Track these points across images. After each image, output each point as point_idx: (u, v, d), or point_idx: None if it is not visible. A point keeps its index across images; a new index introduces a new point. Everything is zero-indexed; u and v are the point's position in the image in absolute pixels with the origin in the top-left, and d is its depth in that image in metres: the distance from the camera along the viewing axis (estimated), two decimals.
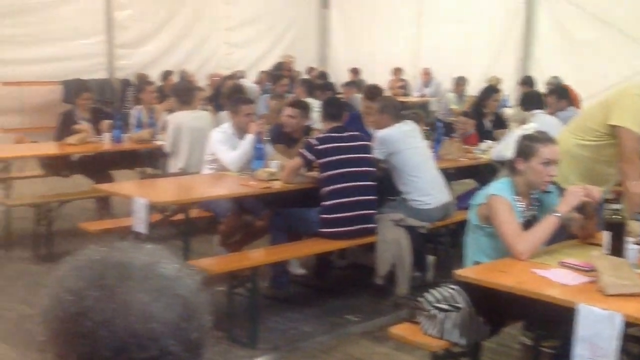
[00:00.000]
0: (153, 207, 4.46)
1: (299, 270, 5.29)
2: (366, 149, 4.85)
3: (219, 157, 5.23)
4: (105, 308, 0.86)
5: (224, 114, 6.59)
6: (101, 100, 9.98)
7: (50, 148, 6.78)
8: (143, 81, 9.96)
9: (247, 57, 13.84)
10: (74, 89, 8.12)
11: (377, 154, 4.90)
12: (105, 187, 5.39)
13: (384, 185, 4.95)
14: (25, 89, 10.94)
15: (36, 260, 5.61)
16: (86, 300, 0.87)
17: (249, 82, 11.05)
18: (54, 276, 0.94)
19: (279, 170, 4.88)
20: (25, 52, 10.86)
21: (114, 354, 0.85)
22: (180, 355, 0.88)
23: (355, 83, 9.91)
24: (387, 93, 10.61)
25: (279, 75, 10.69)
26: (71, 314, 0.87)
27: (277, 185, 4.77)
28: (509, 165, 3.42)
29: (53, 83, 11.03)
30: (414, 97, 12.41)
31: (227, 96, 7.17)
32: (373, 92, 6.46)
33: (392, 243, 4.69)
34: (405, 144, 4.92)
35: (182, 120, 6.10)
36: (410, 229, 4.79)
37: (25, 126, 10.93)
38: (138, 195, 4.46)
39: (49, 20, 11.09)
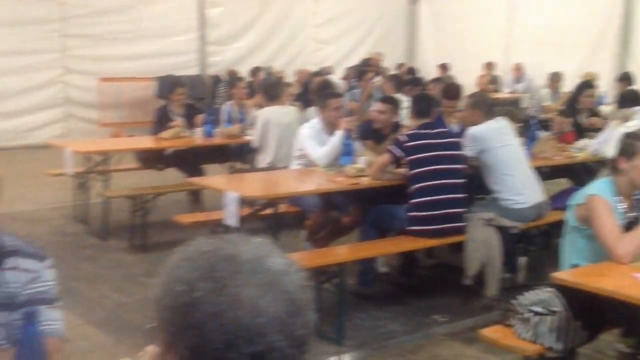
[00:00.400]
0: (243, 201, 4.54)
1: (383, 268, 5.25)
2: (456, 146, 4.76)
3: (307, 152, 5.26)
4: (215, 301, 0.87)
5: (312, 110, 6.64)
6: (193, 96, 10.24)
7: (145, 142, 7.03)
8: (234, 77, 10.18)
9: (335, 53, 13.89)
10: (167, 85, 8.38)
11: (467, 151, 4.80)
12: (197, 180, 5.53)
13: (474, 184, 4.84)
14: (122, 84, 11.38)
15: (131, 251, 5.82)
16: (197, 292, 0.88)
17: (336, 78, 11.08)
18: (165, 265, 0.96)
19: (367, 167, 4.86)
20: (122, 49, 11.30)
21: (222, 346, 0.86)
22: (286, 351, 0.88)
23: (443, 79, 9.75)
24: (477, 89, 10.39)
25: (364, 70, 10.66)
26: (182, 303, 0.88)
27: (365, 182, 4.75)
28: (610, 165, 3.28)
29: (148, 79, 11.43)
30: (504, 93, 12.10)
31: (315, 92, 7.21)
32: (452, 91, 6.34)
33: (482, 243, 4.58)
34: (497, 141, 4.79)
35: (270, 116, 6.19)
36: (501, 229, 4.67)
37: (122, 121, 11.41)
38: (229, 189, 4.55)
39: (144, 18, 11.49)
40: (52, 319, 1.81)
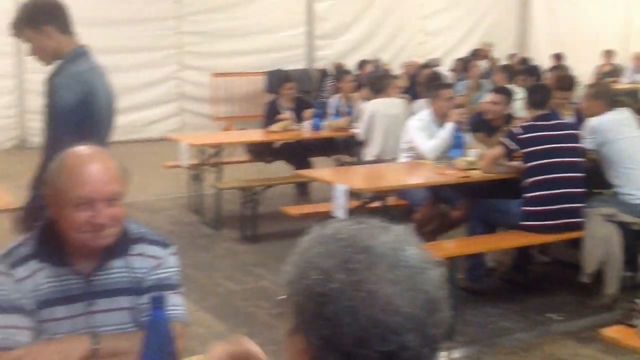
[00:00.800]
0: (351, 194, 4.55)
1: (490, 264, 5.12)
2: (575, 138, 4.55)
3: (416, 145, 5.20)
4: (350, 295, 0.85)
5: (420, 102, 6.57)
6: (302, 90, 10.39)
7: (255, 135, 7.20)
8: (340, 71, 10.21)
9: (442, 45, 13.66)
10: (276, 79, 8.55)
11: (587, 143, 4.58)
12: (306, 173, 5.60)
13: (593, 178, 4.62)
14: (233, 79, 11.70)
15: (242, 241, 5.97)
16: (333, 283, 0.86)
17: (444, 70, 10.90)
18: (299, 246, 0.95)
19: (478, 159, 4.75)
20: (233, 45, 11.62)
21: (354, 342, 0.84)
22: (418, 351, 0.86)
23: (558, 69, 9.37)
24: (594, 79, 9.93)
25: (470, 60, 10.42)
26: (316, 293, 0.87)
27: (476, 175, 4.65)
28: None
29: (257, 74, 11.69)
30: (624, 83, 11.48)
31: (424, 83, 7.12)
32: (566, 82, 6.09)
33: (601, 240, 4.37)
34: (618, 134, 4.56)
35: (377, 109, 6.17)
36: (622, 225, 4.44)
37: (233, 115, 11.74)
38: (338, 182, 4.58)
39: (254, 14, 11.76)
40: (176, 304, 1.87)
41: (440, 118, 5.19)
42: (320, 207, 5.44)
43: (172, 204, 7.11)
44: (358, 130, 6.43)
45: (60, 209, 1.78)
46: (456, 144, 5.05)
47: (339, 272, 0.87)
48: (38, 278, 1.80)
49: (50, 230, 1.85)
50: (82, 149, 1.86)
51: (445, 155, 5.05)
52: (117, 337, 1.80)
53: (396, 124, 5.96)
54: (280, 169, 7.22)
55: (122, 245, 1.88)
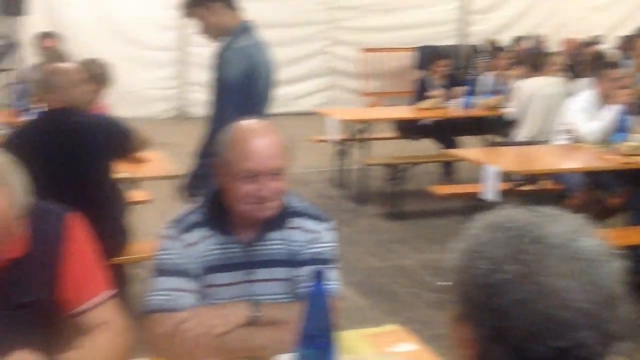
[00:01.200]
0: (502, 175, 4.39)
1: None
2: None
3: (576, 126, 4.92)
4: (522, 288, 0.81)
5: (581, 82, 6.19)
6: (453, 67, 10.15)
7: (404, 112, 7.14)
8: (495, 47, 9.86)
9: (606, 20, 12.75)
10: (427, 55, 8.39)
11: None
12: (455, 152, 5.48)
13: None
14: (383, 55, 11.65)
15: (386, 217, 5.96)
16: (502, 274, 0.83)
17: (608, 48, 10.19)
18: (467, 232, 0.92)
19: None
20: (384, 20, 11.53)
21: (525, 335, 0.81)
22: (593, 348, 0.80)
23: None
24: None
25: (635, 38, 9.63)
26: (486, 284, 0.84)
27: None
28: None
29: (407, 49, 11.55)
30: None
31: (589, 62, 6.71)
32: None
33: None
34: None
35: (533, 88, 5.89)
36: None
37: (381, 90, 11.71)
38: (488, 162, 4.43)
39: None
40: (331, 278, 1.88)
41: (605, 99, 4.87)
42: (468, 188, 5.30)
43: (318, 178, 7.23)
44: (510, 109, 6.18)
45: (228, 180, 1.85)
46: (621, 127, 4.73)
47: (509, 263, 0.83)
48: (205, 245, 1.88)
49: (217, 199, 1.92)
50: (251, 123, 1.92)
51: (607, 139, 4.74)
52: (276, 306, 1.84)
53: (553, 104, 5.66)
54: (426, 147, 7.11)
55: (281, 217, 1.92)
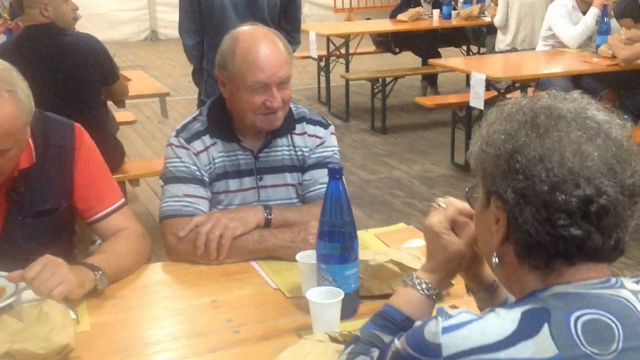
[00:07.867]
0: (488, 83, 4.45)
1: None
2: None
3: (557, 32, 4.96)
4: (539, 144, 0.87)
5: None
6: None
7: (383, 25, 7.07)
8: None
9: None
10: None
11: None
12: (439, 62, 5.48)
13: None
14: None
15: (372, 132, 6.02)
16: (519, 139, 0.89)
17: None
18: (481, 122, 0.98)
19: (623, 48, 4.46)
20: None
21: (548, 189, 0.86)
22: (616, 197, 0.86)
23: None
24: None
25: None
26: (505, 151, 0.90)
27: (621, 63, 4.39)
28: None
29: None
30: None
31: None
32: None
33: None
34: None
35: None
36: None
37: (354, 6, 11.52)
38: (475, 70, 4.47)
39: None
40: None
41: (584, 4, 4.89)
42: (451, 99, 5.36)
43: (301, 95, 7.22)
44: (490, 18, 6.18)
45: (235, 91, 1.85)
46: (602, 31, 4.76)
47: (525, 128, 0.89)
48: (211, 152, 1.90)
49: (218, 107, 1.93)
50: (253, 31, 1.87)
51: (589, 43, 4.80)
52: (286, 209, 1.88)
53: (533, 11, 5.68)
54: (405, 60, 7.10)
55: (287, 124, 1.94)
